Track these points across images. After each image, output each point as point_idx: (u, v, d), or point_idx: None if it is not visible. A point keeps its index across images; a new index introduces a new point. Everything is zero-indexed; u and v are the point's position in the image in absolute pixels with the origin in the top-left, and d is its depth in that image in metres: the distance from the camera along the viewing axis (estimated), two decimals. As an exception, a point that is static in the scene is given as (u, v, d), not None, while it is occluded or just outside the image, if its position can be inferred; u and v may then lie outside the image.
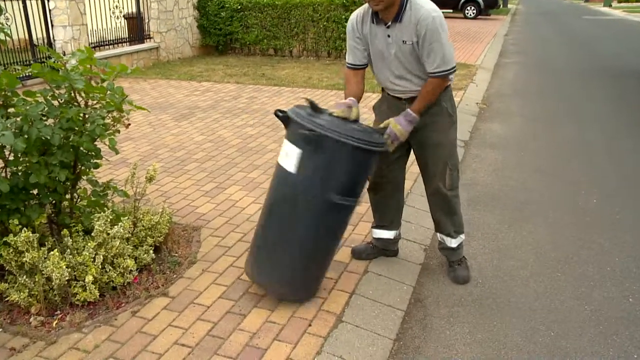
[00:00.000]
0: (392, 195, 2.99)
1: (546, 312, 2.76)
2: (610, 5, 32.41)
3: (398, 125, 2.61)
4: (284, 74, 9.10)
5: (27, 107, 2.56)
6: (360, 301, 2.69)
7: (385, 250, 3.12)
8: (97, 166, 2.95)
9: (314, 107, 2.41)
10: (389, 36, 2.59)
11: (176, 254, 3.09)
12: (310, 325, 2.48)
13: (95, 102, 2.83)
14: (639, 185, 4.48)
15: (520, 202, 4.14)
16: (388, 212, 3.02)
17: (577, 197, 4.23)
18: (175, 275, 2.89)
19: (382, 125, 2.67)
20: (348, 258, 3.08)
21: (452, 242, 2.98)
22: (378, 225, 3.07)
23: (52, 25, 8.37)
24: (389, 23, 2.57)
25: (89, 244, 2.63)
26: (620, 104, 7.39)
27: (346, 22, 10.21)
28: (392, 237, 3.07)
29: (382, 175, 2.89)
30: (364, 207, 3.75)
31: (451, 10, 21.87)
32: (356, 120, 2.49)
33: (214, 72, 9.28)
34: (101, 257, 2.61)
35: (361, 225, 3.50)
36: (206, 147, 5.15)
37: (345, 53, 2.80)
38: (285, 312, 2.57)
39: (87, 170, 2.94)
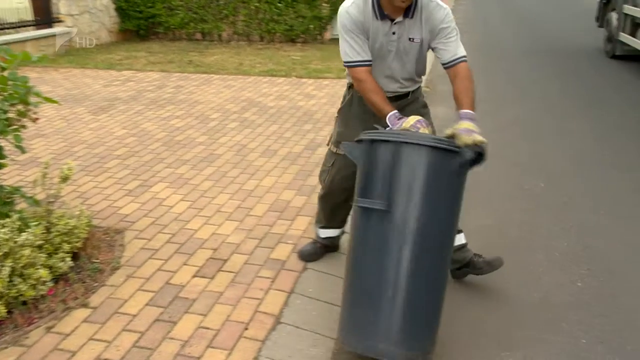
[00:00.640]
0: (351, 197, 3.00)
1: (494, 300, 2.89)
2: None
3: (465, 123, 2.32)
4: (213, 60, 9.00)
5: None
6: (300, 300, 2.72)
7: (331, 246, 3.17)
8: (0, 167, 2.84)
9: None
10: (393, 33, 2.55)
11: (97, 260, 3.02)
12: (246, 328, 2.49)
13: (-6, 94, 2.72)
14: (587, 168, 4.72)
15: (469, 190, 4.26)
16: (345, 214, 3.05)
17: (524, 181, 4.42)
18: (96, 284, 2.83)
19: (448, 133, 2.29)
20: (285, 255, 3.11)
21: (462, 238, 2.95)
22: (327, 226, 3.10)
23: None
24: (398, 19, 2.53)
25: (-7, 254, 2.53)
26: (567, 84, 7.73)
27: (279, 2, 10.23)
28: (339, 234, 3.14)
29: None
30: (299, 201, 3.79)
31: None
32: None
33: (136, 59, 9.07)
34: (8, 268, 2.52)
35: (299, 220, 3.53)
36: (128, 142, 5.04)
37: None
38: (219, 317, 2.57)
39: (-11, 171, 2.83)
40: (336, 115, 2.92)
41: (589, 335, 2.62)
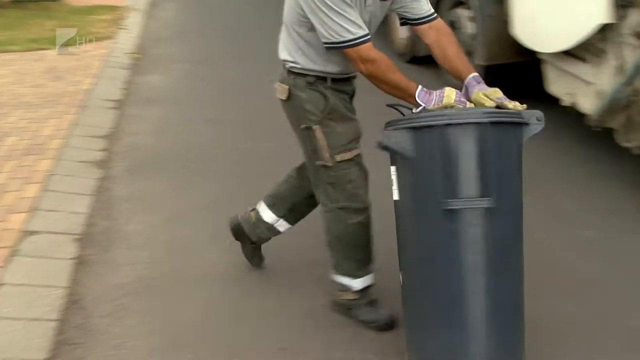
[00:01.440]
0: None
1: (224, 278, 3.00)
2: None
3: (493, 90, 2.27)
4: None
5: None
6: (-4, 324, 2.52)
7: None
8: None
9: None
10: None
11: None
12: None
13: None
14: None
15: (191, 161, 4.34)
16: None
17: (255, 145, 4.60)
18: None
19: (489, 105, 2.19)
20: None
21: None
22: (368, 265, 2.70)
23: None
24: None
25: None
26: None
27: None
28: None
29: None
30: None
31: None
32: None
33: None
34: None
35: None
36: None
37: None
38: None
39: None
40: (312, 127, 2.43)
41: (330, 289, 2.86)
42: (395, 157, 2.16)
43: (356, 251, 2.60)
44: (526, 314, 2.18)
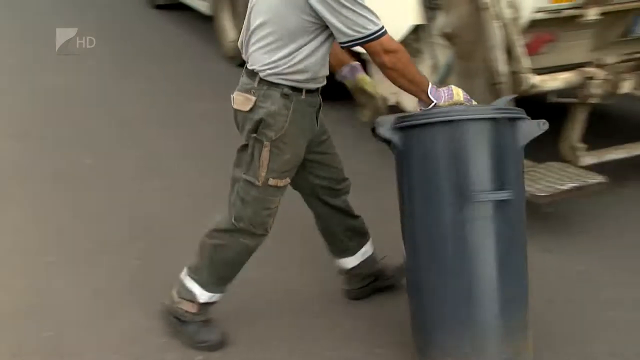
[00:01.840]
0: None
1: (33, 313, 2.86)
2: None
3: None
4: None
5: None
6: None
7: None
8: None
9: None
10: None
11: None
12: None
13: None
14: (137, 133, 4.98)
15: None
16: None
17: (72, 162, 4.42)
18: None
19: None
20: None
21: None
22: (226, 284, 2.65)
23: None
24: None
25: None
26: (112, 40, 7.84)
27: None
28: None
29: None
30: None
31: None
32: None
33: None
34: None
35: None
36: None
37: None
38: None
39: None
40: (265, 142, 2.33)
41: (154, 311, 2.77)
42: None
43: (225, 269, 2.58)
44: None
